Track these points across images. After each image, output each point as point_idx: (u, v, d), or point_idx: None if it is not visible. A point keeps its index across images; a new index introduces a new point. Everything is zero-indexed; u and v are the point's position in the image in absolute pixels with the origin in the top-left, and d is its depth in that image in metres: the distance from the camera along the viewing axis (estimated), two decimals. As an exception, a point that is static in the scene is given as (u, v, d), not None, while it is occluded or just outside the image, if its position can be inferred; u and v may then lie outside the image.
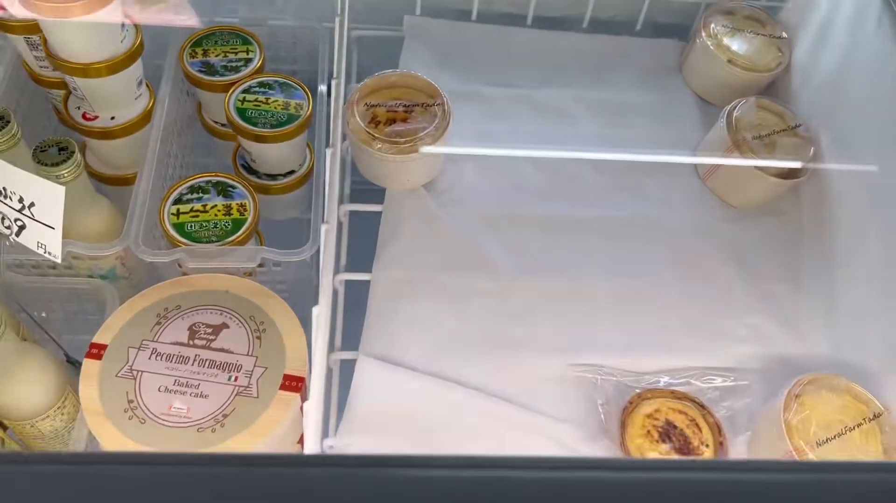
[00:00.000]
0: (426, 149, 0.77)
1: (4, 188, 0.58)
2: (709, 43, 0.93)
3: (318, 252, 0.74)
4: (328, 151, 0.68)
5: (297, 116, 0.82)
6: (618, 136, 0.90)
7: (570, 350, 0.73)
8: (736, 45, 0.93)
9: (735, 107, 0.85)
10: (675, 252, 0.81)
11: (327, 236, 0.64)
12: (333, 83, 0.72)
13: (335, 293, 0.72)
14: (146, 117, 0.81)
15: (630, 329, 0.75)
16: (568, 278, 0.78)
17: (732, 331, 0.76)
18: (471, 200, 0.83)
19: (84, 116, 0.80)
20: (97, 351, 0.66)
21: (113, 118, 0.80)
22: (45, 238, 0.60)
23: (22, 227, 0.60)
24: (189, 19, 0.84)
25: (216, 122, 0.90)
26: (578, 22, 0.99)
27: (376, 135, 0.77)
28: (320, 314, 0.55)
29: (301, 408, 0.63)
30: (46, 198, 0.58)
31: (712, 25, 0.94)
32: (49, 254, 0.60)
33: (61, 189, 0.57)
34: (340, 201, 0.78)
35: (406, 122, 0.80)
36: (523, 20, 0.98)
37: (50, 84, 0.83)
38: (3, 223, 0.61)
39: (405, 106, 0.81)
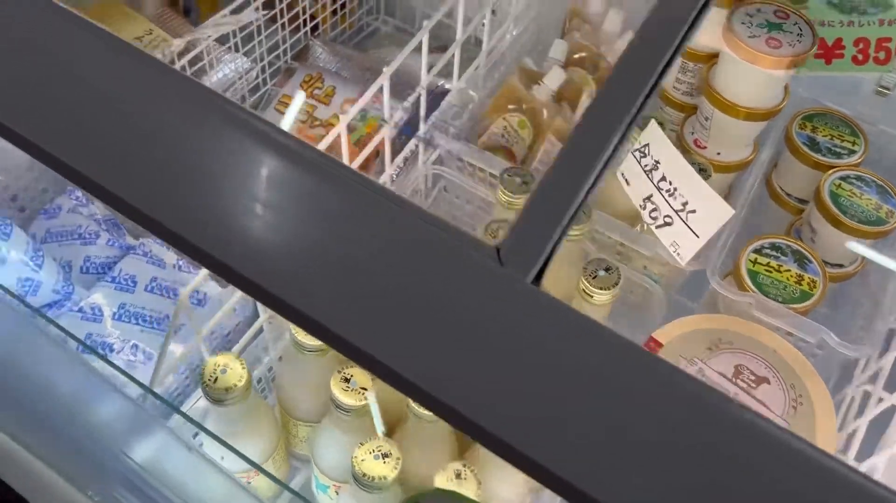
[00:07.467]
0: None
1: (675, 188, 0.67)
2: None
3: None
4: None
5: (884, 221, 0.82)
6: None
7: None
8: None
9: None
10: None
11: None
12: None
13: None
14: (743, 165, 0.88)
15: None
16: None
17: None
18: None
19: (696, 143, 0.88)
20: (654, 345, 0.74)
21: (719, 154, 0.87)
22: (682, 241, 0.68)
23: (668, 224, 0.69)
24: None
25: (783, 191, 0.94)
26: None
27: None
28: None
29: None
30: (711, 212, 0.65)
31: None
32: (677, 254, 0.68)
33: (730, 212, 0.65)
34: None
35: None
36: None
37: (673, 103, 0.93)
38: (650, 212, 0.70)
39: None
